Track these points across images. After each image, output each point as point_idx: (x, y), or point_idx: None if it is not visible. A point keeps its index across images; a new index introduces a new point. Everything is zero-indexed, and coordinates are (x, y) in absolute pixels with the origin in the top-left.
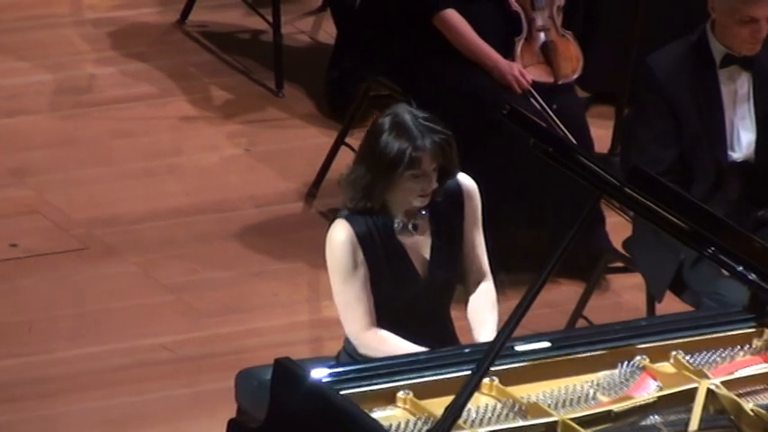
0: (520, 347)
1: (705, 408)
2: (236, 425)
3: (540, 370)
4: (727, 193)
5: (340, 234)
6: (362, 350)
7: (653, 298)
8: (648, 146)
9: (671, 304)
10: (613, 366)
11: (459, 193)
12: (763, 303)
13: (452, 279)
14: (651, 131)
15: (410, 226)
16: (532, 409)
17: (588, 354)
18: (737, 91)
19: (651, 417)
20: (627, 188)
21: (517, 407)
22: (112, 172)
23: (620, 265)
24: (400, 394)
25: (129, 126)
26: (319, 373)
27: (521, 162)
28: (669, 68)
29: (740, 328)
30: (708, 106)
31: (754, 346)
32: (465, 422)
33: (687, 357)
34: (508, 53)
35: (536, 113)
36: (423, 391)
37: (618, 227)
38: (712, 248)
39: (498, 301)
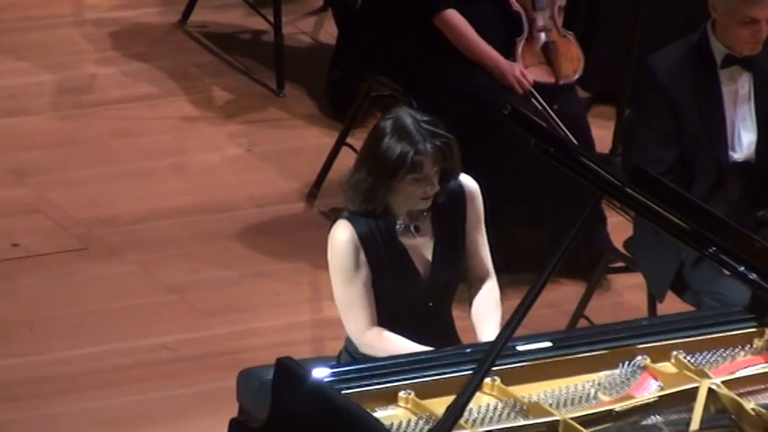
0: (521, 347)
1: (706, 407)
2: (237, 424)
3: (541, 370)
4: (728, 192)
5: (342, 234)
6: (364, 350)
7: (654, 298)
8: (649, 146)
9: (672, 304)
10: (614, 366)
11: (461, 194)
12: (764, 303)
13: (454, 279)
14: (652, 131)
15: (412, 227)
16: (534, 408)
17: (589, 353)
18: (738, 91)
19: (652, 416)
20: (628, 188)
21: (518, 406)
22: (113, 172)
23: (621, 264)
24: (402, 394)
25: (130, 126)
26: (321, 373)
27: (522, 162)
28: (670, 69)
29: (741, 328)
30: (708, 106)
31: (754, 346)
32: (466, 422)
33: (688, 357)
34: (509, 53)
35: (537, 114)
36: (424, 391)
37: (619, 227)
38: (713, 248)
39: (500, 300)
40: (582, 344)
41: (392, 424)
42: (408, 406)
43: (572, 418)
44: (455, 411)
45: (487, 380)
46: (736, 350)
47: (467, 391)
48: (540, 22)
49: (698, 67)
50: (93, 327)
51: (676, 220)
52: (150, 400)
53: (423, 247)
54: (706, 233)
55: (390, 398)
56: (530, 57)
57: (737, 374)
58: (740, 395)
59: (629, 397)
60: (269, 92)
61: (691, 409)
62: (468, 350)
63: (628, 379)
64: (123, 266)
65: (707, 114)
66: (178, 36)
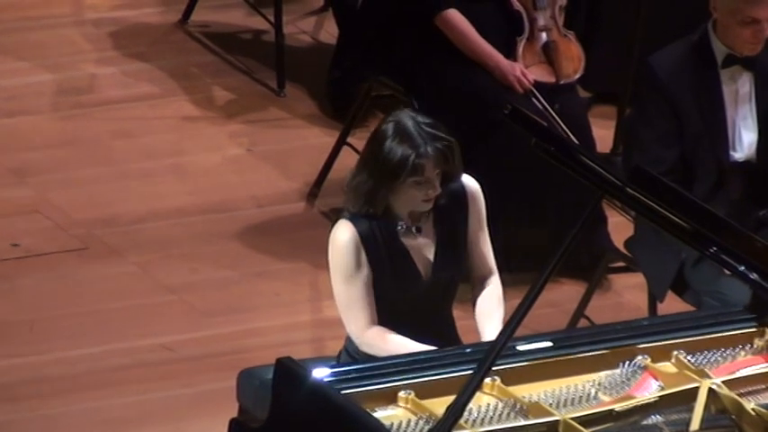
0: (521, 347)
1: (706, 407)
2: (237, 424)
3: (541, 369)
4: (729, 192)
5: (343, 234)
6: (365, 349)
7: (654, 298)
8: (650, 146)
9: (672, 304)
10: (615, 366)
11: (463, 195)
12: (765, 303)
13: (455, 279)
14: (653, 131)
15: (414, 228)
16: (534, 408)
17: (590, 353)
18: (739, 91)
19: (653, 416)
20: (629, 188)
21: (519, 406)
22: (113, 172)
23: (621, 264)
24: (402, 394)
25: (130, 126)
26: (321, 373)
27: (522, 162)
28: (671, 68)
29: (741, 328)
30: (709, 106)
31: (755, 346)
32: (466, 422)
33: (688, 357)
34: (510, 53)
35: (538, 113)
36: (424, 391)
37: (619, 226)
38: (714, 248)
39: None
40: (582, 344)
41: (392, 424)
42: (408, 406)
43: (572, 418)
44: (455, 411)
45: (487, 380)
46: (737, 350)
47: (467, 390)
48: (541, 21)
49: (699, 67)
50: (93, 327)
51: (677, 220)
52: (150, 400)
53: (424, 248)
54: (707, 233)
55: (390, 398)
56: (530, 56)
57: (738, 374)
58: (740, 395)
59: (630, 397)
60: (269, 92)
61: (691, 409)
62: (468, 350)
63: (628, 379)
64: (123, 267)
65: (708, 114)
66: (178, 36)
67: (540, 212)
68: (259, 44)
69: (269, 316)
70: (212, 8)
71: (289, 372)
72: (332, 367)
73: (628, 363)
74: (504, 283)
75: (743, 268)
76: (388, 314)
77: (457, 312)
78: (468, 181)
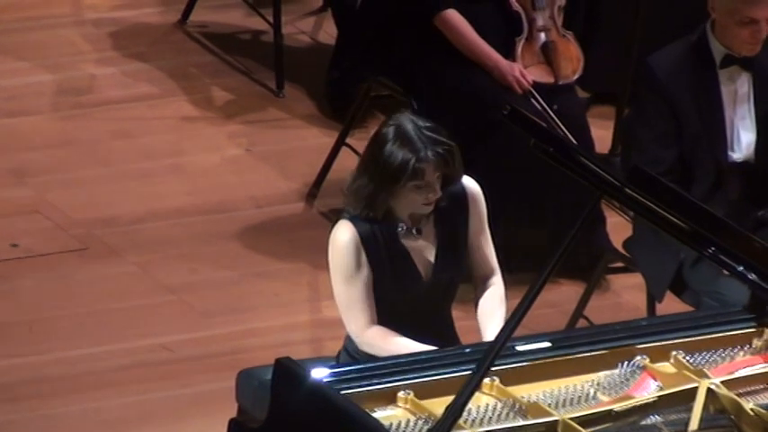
0: (520, 347)
1: (705, 407)
2: (236, 425)
3: (540, 370)
4: (728, 193)
5: (344, 235)
6: (365, 348)
7: (653, 298)
8: (649, 146)
9: (671, 304)
10: (614, 366)
11: (463, 196)
12: (764, 303)
13: (455, 280)
14: (652, 131)
15: (414, 230)
16: (533, 408)
17: (588, 354)
18: (737, 91)
19: (651, 416)
20: (627, 188)
21: (517, 406)
22: (113, 172)
23: (620, 265)
24: (401, 394)
25: (130, 126)
26: (320, 373)
27: (521, 162)
28: (670, 68)
29: (740, 328)
30: (708, 106)
31: (754, 346)
32: (465, 422)
33: (687, 357)
34: (509, 53)
35: (537, 114)
36: (423, 391)
37: (618, 227)
38: (712, 248)
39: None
40: (581, 344)
41: (391, 424)
42: (407, 406)
43: (571, 419)
44: (454, 411)
45: (486, 380)
46: (736, 350)
47: (466, 391)
48: (540, 21)
49: (697, 67)
50: (93, 327)
51: (676, 221)
52: (150, 401)
53: (425, 250)
54: (705, 233)
55: (389, 398)
56: (529, 57)
57: (736, 374)
58: (739, 395)
59: (629, 397)
60: (268, 92)
61: (690, 410)
62: (468, 350)
63: (627, 379)
64: (123, 267)
65: (706, 114)
66: (178, 36)
67: (539, 213)
68: (258, 44)
69: (268, 316)
70: (211, 8)
71: (288, 372)
72: (331, 367)
73: (626, 363)
74: (504, 283)
75: (741, 268)
76: (388, 315)
77: (456, 313)
78: (469, 183)
